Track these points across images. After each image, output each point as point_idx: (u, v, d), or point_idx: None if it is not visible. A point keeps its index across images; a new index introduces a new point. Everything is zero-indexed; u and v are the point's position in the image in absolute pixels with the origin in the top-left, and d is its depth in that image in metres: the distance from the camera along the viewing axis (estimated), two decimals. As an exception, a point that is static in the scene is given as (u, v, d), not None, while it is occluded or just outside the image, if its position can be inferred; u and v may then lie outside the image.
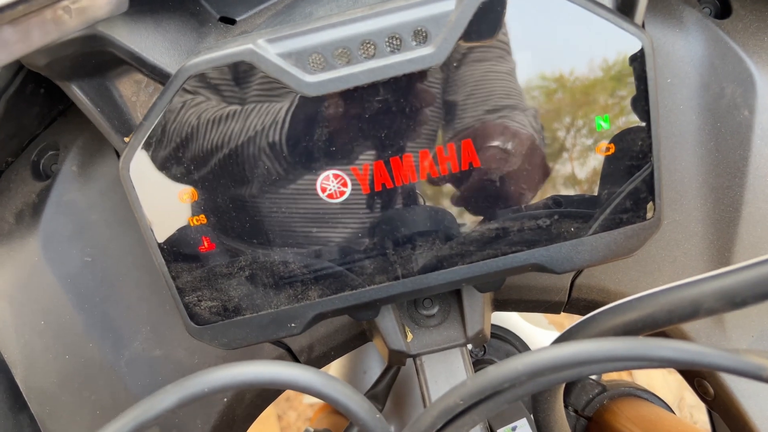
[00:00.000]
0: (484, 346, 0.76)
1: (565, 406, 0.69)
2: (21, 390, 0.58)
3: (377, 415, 0.40)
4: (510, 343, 0.81)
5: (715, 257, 0.55)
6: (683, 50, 0.53)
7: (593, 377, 0.68)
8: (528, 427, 0.65)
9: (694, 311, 0.38)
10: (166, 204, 0.43)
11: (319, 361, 0.62)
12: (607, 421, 0.65)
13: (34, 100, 0.51)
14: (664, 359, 0.36)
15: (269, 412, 2.01)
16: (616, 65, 0.42)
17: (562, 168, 0.43)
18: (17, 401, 0.59)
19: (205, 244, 0.44)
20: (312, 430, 0.69)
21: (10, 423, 0.58)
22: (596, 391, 0.68)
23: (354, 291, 0.46)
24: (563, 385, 0.48)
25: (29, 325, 0.56)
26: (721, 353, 0.36)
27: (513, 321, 0.91)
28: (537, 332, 0.96)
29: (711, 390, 0.58)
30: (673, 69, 0.53)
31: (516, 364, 0.37)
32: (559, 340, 0.43)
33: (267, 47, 0.40)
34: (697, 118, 0.54)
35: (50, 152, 0.56)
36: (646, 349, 0.36)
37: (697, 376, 0.59)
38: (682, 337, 0.56)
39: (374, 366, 0.92)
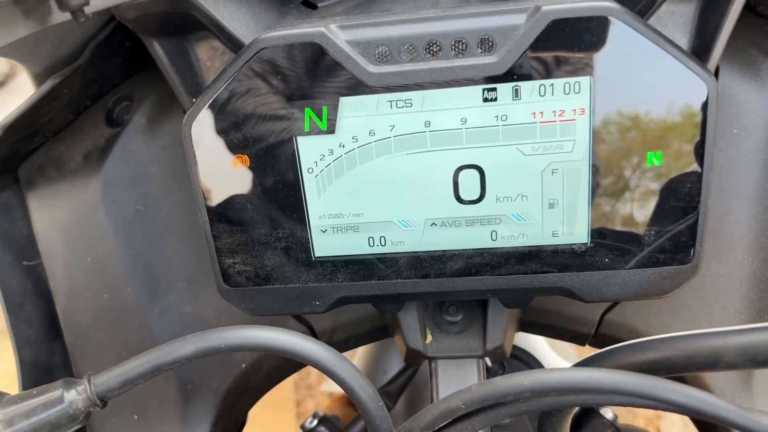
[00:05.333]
0: (503, 365, 0.76)
1: (575, 442, 0.68)
2: (59, 319, 0.62)
3: (380, 403, 0.41)
4: (530, 367, 0.80)
5: (752, 317, 0.54)
6: (755, 102, 0.52)
7: (608, 417, 0.67)
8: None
9: (714, 362, 0.38)
10: (219, 166, 0.45)
11: (339, 345, 0.63)
12: (615, 463, 0.63)
13: (119, 51, 0.55)
14: (672, 402, 0.36)
15: (288, 397, 2.04)
16: (678, 106, 0.41)
17: (609, 200, 0.43)
18: (54, 329, 0.62)
19: (249, 211, 0.46)
20: (321, 413, 0.70)
21: (44, 348, 0.62)
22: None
23: (380, 281, 0.47)
24: (570, 415, 0.47)
25: (77, 259, 0.59)
26: (733, 408, 0.36)
27: (540, 348, 0.90)
28: (562, 364, 0.95)
29: (727, 452, 0.56)
30: (742, 120, 0.52)
31: (522, 379, 0.38)
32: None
33: (338, 32, 0.41)
34: (758, 174, 0.53)
35: (124, 103, 0.59)
36: (653, 388, 0.36)
37: (714, 434, 0.58)
38: (704, 389, 0.55)
39: (395, 366, 0.92)
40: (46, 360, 0.62)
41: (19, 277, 0.61)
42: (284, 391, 2.04)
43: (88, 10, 0.36)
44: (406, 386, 0.73)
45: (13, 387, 0.49)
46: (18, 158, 0.60)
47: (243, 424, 0.67)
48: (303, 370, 2.10)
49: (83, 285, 0.59)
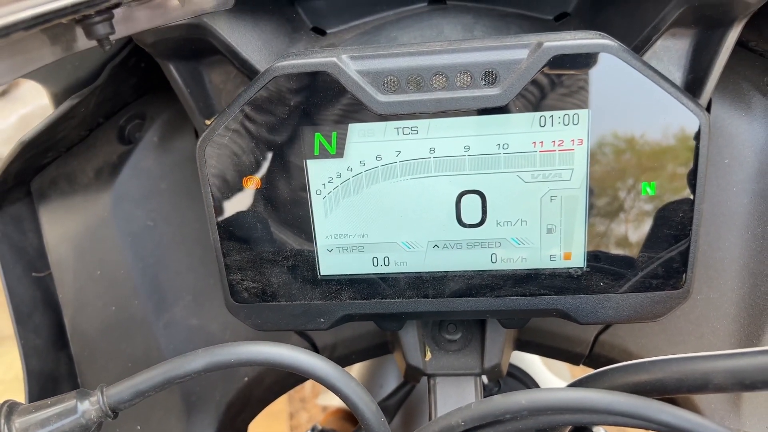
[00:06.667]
0: (499, 383, 0.77)
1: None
2: (66, 329, 0.63)
3: (381, 419, 0.42)
4: (526, 385, 0.82)
5: (742, 341, 0.55)
6: (746, 134, 0.54)
7: (601, 438, 0.69)
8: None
9: (704, 385, 0.40)
10: (231, 186, 0.47)
11: (339, 361, 0.65)
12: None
13: (134, 72, 0.57)
14: (663, 423, 0.38)
15: (282, 409, 2.04)
16: (671, 138, 0.43)
17: (605, 226, 0.45)
18: (60, 339, 0.64)
19: (258, 230, 0.48)
20: (320, 427, 0.71)
21: (51, 358, 0.63)
22: (602, 451, 0.68)
23: (383, 300, 0.48)
24: (564, 431, 0.49)
25: (87, 271, 0.60)
26: (722, 429, 0.37)
27: (535, 367, 0.92)
28: (556, 383, 0.96)
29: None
30: (733, 151, 0.54)
31: (520, 398, 0.39)
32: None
33: (349, 63, 0.43)
34: (749, 203, 0.55)
35: (136, 121, 0.61)
36: (646, 409, 0.38)
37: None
38: (694, 410, 0.57)
39: (391, 382, 0.94)
40: (53, 369, 0.63)
41: (28, 288, 0.63)
42: (278, 403, 2.04)
43: (113, 37, 0.38)
44: (404, 402, 0.75)
45: (8, 394, 0.50)
46: (31, 172, 0.61)
47: (243, 436, 0.69)
48: (298, 383, 2.11)
49: (92, 296, 0.61)
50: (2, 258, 0.61)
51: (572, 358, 0.63)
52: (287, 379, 0.65)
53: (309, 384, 2.07)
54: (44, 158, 0.60)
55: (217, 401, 0.62)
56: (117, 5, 0.37)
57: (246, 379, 0.62)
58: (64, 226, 0.61)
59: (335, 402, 1.05)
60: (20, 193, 0.62)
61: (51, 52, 0.39)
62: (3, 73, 0.37)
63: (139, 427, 0.62)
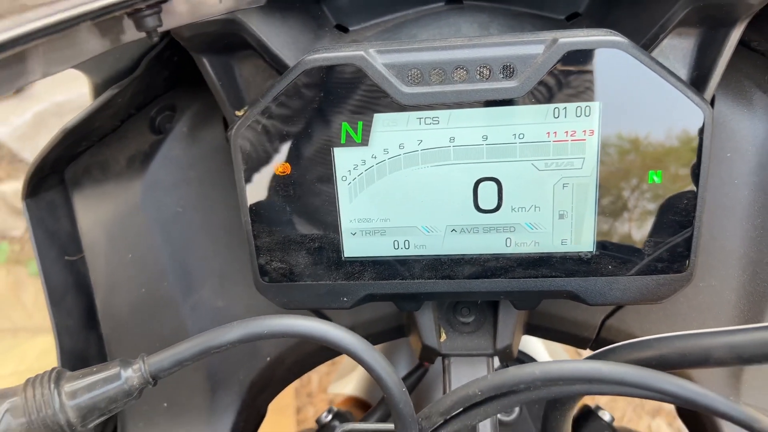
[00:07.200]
0: (507, 366, 0.80)
1: (575, 442, 0.73)
2: (97, 310, 0.66)
3: (403, 389, 0.45)
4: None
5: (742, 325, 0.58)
6: (747, 129, 0.57)
7: (606, 420, 0.71)
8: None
9: (705, 359, 0.43)
10: (262, 172, 0.50)
11: (356, 344, 0.67)
12: (611, 461, 0.68)
13: (167, 65, 0.60)
14: (666, 392, 0.41)
15: (288, 403, 2.07)
16: (677, 130, 0.46)
17: (613, 212, 0.48)
18: (91, 320, 0.67)
19: (287, 213, 0.51)
20: (335, 409, 0.74)
21: (81, 337, 0.67)
22: (606, 432, 0.71)
23: (403, 281, 0.51)
24: (573, 410, 0.52)
25: (118, 255, 0.64)
26: (721, 399, 0.40)
27: (538, 353, 0.95)
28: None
29: (714, 450, 0.61)
30: (735, 145, 0.57)
31: (534, 369, 0.42)
32: (578, 363, 0.47)
33: (376, 56, 0.46)
34: (749, 194, 0.57)
35: (167, 112, 0.64)
36: (651, 379, 0.41)
37: (704, 434, 0.62)
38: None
39: (403, 368, 0.97)
40: (83, 348, 0.66)
41: (61, 271, 0.66)
42: (285, 397, 2.07)
43: (160, 29, 0.41)
44: (416, 387, 0.78)
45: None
46: (65, 160, 0.65)
47: (263, 416, 0.71)
48: (304, 378, 2.14)
49: (123, 279, 0.64)
50: (38, 242, 0.64)
51: (579, 342, 0.65)
52: (307, 359, 0.68)
53: (316, 378, 2.11)
54: (78, 147, 0.63)
55: (240, 380, 0.65)
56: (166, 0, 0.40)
57: (268, 359, 0.65)
58: (97, 212, 0.65)
59: (346, 390, 1.08)
60: (55, 181, 0.65)
61: (101, 44, 0.42)
62: (58, 63, 0.40)
63: (165, 405, 0.65)
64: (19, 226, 2.12)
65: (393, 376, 0.45)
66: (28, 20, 0.31)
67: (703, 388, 0.40)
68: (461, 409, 0.45)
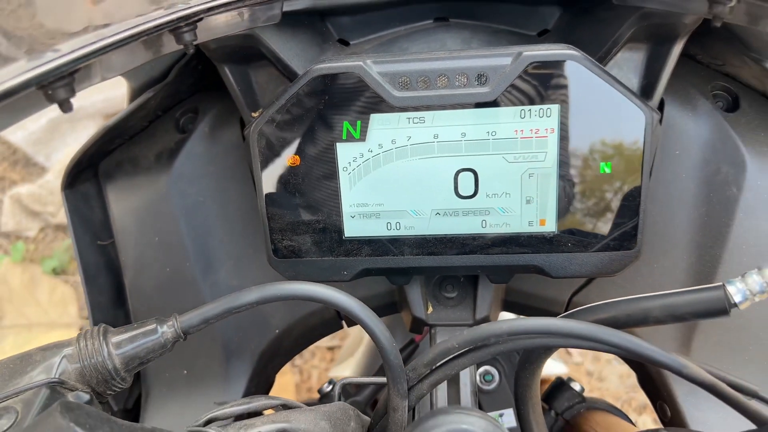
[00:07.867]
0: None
1: (549, 409, 0.81)
2: (126, 289, 0.75)
3: (394, 344, 0.54)
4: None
5: (689, 301, 0.67)
6: (692, 131, 0.66)
7: (577, 389, 0.80)
8: (513, 416, 0.78)
9: (645, 318, 0.51)
10: (276, 164, 0.59)
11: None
12: (580, 425, 0.76)
13: (192, 73, 0.69)
14: (610, 343, 0.49)
15: (290, 397, 2.15)
16: (622, 129, 0.55)
17: (572, 198, 0.57)
18: (120, 297, 0.75)
19: (296, 199, 0.59)
20: (336, 380, 0.83)
21: (111, 313, 0.75)
22: (576, 400, 0.79)
23: (395, 257, 0.60)
24: (542, 364, 0.60)
25: (146, 238, 0.72)
26: (656, 348, 0.49)
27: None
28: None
29: (669, 413, 0.69)
30: (682, 144, 0.66)
31: (502, 325, 0.51)
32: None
33: (372, 66, 0.55)
34: (695, 187, 0.66)
35: (190, 114, 0.73)
36: (598, 332, 0.49)
37: (659, 400, 0.71)
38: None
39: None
40: (113, 323, 0.74)
41: (94, 254, 0.75)
42: (286, 393, 2.15)
43: (195, 43, 0.51)
44: (407, 361, 0.86)
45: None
46: (100, 156, 0.74)
47: (272, 384, 0.80)
48: (305, 373, 2.22)
49: (150, 260, 0.73)
50: (74, 229, 0.73)
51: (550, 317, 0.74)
52: (312, 332, 0.77)
53: (316, 374, 2.18)
54: (112, 144, 0.73)
55: (251, 350, 0.74)
56: (201, 19, 0.49)
57: (277, 331, 0.74)
58: (128, 201, 0.74)
59: (345, 374, 1.17)
60: (89, 174, 0.74)
61: (146, 55, 0.51)
62: (113, 70, 0.49)
63: (185, 372, 0.74)
64: (34, 227, 2.21)
65: (385, 332, 0.53)
66: (102, 36, 0.40)
67: (641, 340, 0.49)
68: (443, 361, 0.54)
